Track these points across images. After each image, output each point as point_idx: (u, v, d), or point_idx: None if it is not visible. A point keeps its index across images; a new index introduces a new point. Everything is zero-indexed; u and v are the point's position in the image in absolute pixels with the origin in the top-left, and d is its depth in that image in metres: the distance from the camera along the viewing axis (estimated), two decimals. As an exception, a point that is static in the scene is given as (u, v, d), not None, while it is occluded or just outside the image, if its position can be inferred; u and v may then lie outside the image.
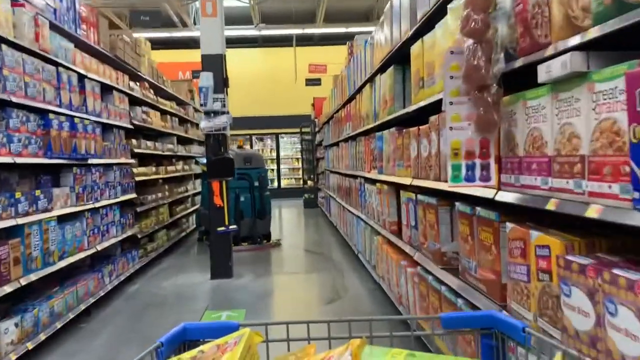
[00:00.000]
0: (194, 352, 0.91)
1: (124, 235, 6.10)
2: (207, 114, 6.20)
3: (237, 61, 19.46)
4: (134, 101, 7.03)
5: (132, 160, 6.48)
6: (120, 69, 6.53)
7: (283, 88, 19.01)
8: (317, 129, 15.20)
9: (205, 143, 6.33)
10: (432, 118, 3.18)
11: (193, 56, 20.07)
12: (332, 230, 10.21)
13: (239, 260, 7.23)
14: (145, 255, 6.99)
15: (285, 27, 17.35)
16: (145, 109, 7.34)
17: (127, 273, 6.12)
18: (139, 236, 6.66)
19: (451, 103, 2.21)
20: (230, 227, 6.34)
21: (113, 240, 5.69)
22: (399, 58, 4.31)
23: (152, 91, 8.03)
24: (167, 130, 8.62)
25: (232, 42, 19.76)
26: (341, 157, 8.49)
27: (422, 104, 3.45)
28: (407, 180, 3.90)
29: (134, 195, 6.49)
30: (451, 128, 2.21)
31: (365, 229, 6.09)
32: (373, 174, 5.39)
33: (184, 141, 10.65)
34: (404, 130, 4.00)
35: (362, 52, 6.14)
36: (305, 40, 18.50)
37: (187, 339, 1.02)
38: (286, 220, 13.57)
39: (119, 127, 6.19)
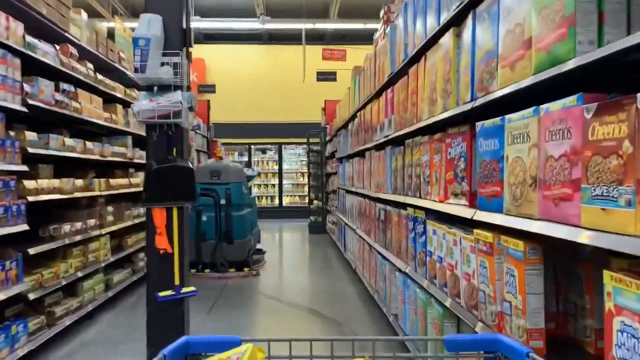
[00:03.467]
0: None
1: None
2: (149, 88, 3.50)
3: (237, 59, 16.88)
4: (45, 72, 4.36)
5: (20, 167, 3.76)
6: (18, 17, 3.88)
7: (289, 91, 16.37)
8: (327, 138, 12.50)
9: (146, 141, 3.62)
10: None
11: (194, 52, 17.41)
12: (348, 272, 7.45)
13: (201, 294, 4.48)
14: (51, 324, 4.25)
15: (293, 21, 14.75)
16: (67, 87, 4.64)
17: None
18: (32, 296, 3.93)
19: None
20: (184, 290, 3.59)
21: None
22: None
23: (90, 67, 5.34)
24: (117, 127, 5.91)
25: (231, 38, 17.27)
26: (368, 172, 5.78)
27: None
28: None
29: (24, 227, 3.78)
30: None
31: (421, 297, 3.38)
32: (460, 209, 2.68)
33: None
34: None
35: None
36: (316, 38, 15.89)
37: (190, 353, 1.02)
38: (286, 251, 10.78)
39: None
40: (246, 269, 7.42)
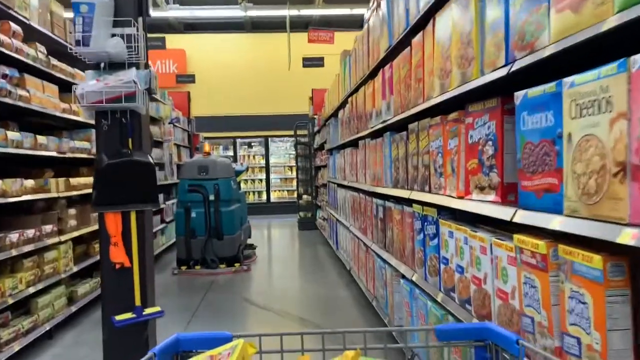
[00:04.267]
0: None
1: None
2: (97, 67, 2.85)
3: (219, 49, 16.13)
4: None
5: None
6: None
7: (274, 81, 15.69)
8: (316, 129, 11.87)
9: (96, 132, 2.97)
10: None
11: (173, 42, 16.68)
12: (342, 273, 6.85)
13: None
14: (-5, 350, 3.60)
15: (277, 7, 14.06)
16: (10, 72, 3.96)
17: None
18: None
19: None
20: (148, 311, 2.96)
21: None
22: None
23: (42, 49, 4.66)
24: (78, 119, 5.24)
25: (213, 27, 16.48)
26: (363, 163, 5.17)
27: None
28: None
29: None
30: None
31: (434, 312, 2.78)
32: (491, 207, 2.08)
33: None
34: None
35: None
36: (302, 26, 15.19)
37: (181, 350, 1.01)
38: (274, 251, 10.16)
39: None
40: (237, 265, 7.28)
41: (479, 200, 2.27)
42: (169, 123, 9.21)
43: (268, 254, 9.39)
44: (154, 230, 8.19)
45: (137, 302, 2.90)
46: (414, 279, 3.27)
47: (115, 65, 2.86)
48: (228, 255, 7.26)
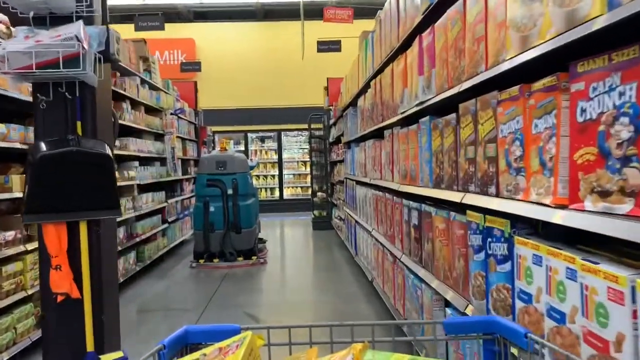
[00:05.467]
0: (196, 355, 0.90)
1: None
2: (35, 21, 2.03)
3: (230, 39, 15.31)
4: None
5: None
6: None
7: (287, 73, 14.86)
8: (331, 121, 11.02)
9: (34, 112, 2.15)
10: None
11: (182, 31, 15.87)
12: (362, 283, 6.00)
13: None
14: None
15: (290, -7, 13.21)
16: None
17: None
18: None
19: None
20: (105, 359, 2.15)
21: None
22: None
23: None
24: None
25: (223, 16, 15.64)
26: (389, 157, 4.31)
27: None
28: None
29: None
30: None
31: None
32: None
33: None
34: None
35: None
36: (316, 14, 14.27)
37: (189, 342, 1.01)
38: (286, 255, 9.34)
39: None
40: (254, 258, 7.50)
41: (600, 212, 1.42)
42: (172, 114, 8.42)
43: (280, 258, 8.57)
44: (154, 232, 7.41)
45: (89, 347, 2.10)
46: (467, 311, 2.42)
47: (59, 21, 2.06)
48: (245, 248, 7.48)
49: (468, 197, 2.38)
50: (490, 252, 2.16)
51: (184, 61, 13.67)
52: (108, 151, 2.12)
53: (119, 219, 5.95)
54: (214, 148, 13.85)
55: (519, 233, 1.96)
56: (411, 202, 3.56)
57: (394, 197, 4.13)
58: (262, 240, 8.39)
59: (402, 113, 3.76)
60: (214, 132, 14.65)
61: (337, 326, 1.02)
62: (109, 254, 2.26)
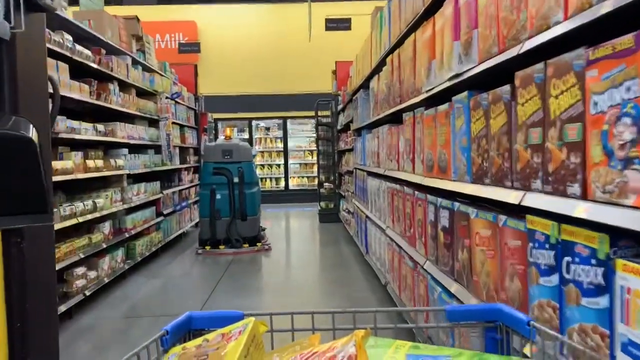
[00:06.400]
0: (198, 340, 0.91)
1: None
2: None
3: (233, 21, 14.62)
4: None
5: None
6: None
7: (293, 57, 14.20)
8: (340, 107, 10.37)
9: None
10: None
11: (183, 13, 15.19)
12: (373, 286, 5.39)
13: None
14: None
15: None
16: None
17: None
18: None
19: None
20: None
21: None
22: None
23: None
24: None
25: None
26: (409, 145, 3.68)
27: None
28: None
29: None
30: None
31: None
32: None
33: (96, 113, 5.90)
34: None
35: None
36: (324, -5, 13.60)
37: (192, 328, 1.02)
38: (291, 250, 8.75)
39: None
40: (259, 244, 7.62)
41: None
42: (167, 98, 7.80)
43: (285, 254, 7.98)
44: (147, 226, 6.83)
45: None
46: (526, 351, 1.79)
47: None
48: (250, 235, 7.62)
49: (531, 198, 1.75)
50: (569, 276, 1.53)
51: (182, 42, 12.95)
52: (33, 134, 1.50)
53: (104, 212, 5.36)
54: (215, 136, 13.25)
55: (624, 254, 1.33)
56: (440, 199, 2.93)
57: (416, 192, 3.50)
58: (262, 228, 8.45)
59: (427, 91, 3.12)
60: (217, 120, 14.05)
61: (339, 313, 1.03)
62: (41, 276, 1.66)
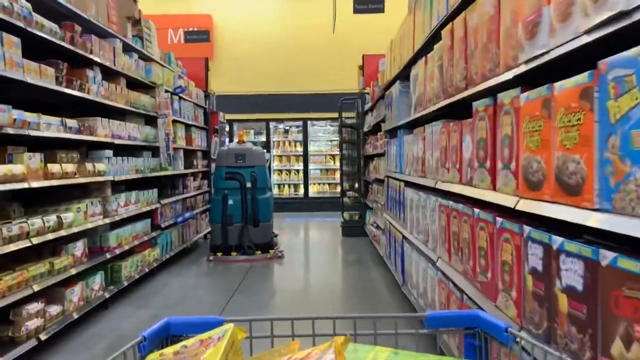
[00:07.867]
0: (177, 347, 0.90)
1: None
2: None
3: (252, 15, 13.49)
4: None
5: None
6: None
7: (316, 52, 13.07)
8: (368, 106, 9.19)
9: None
10: None
11: (198, 6, 14.11)
12: (419, 335, 4.17)
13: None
14: None
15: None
16: None
17: None
18: None
19: None
20: None
21: None
22: None
23: None
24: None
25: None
26: (482, 150, 2.47)
27: None
28: None
29: None
30: None
31: None
32: None
33: (67, 108, 4.80)
34: None
35: None
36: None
37: (171, 334, 1.01)
38: (310, 271, 7.56)
39: None
40: (271, 251, 7.43)
41: None
42: (166, 92, 6.69)
43: (304, 275, 6.81)
44: (137, 243, 5.72)
45: None
46: None
47: None
48: (262, 242, 7.42)
49: None
50: None
51: (188, 29, 11.74)
52: None
53: (74, 229, 4.26)
54: (230, 139, 12.19)
55: None
56: (554, 237, 1.74)
57: (500, 219, 2.30)
58: (274, 234, 8.18)
59: (532, 59, 1.93)
60: (232, 121, 12.97)
61: (318, 319, 1.02)
62: None
